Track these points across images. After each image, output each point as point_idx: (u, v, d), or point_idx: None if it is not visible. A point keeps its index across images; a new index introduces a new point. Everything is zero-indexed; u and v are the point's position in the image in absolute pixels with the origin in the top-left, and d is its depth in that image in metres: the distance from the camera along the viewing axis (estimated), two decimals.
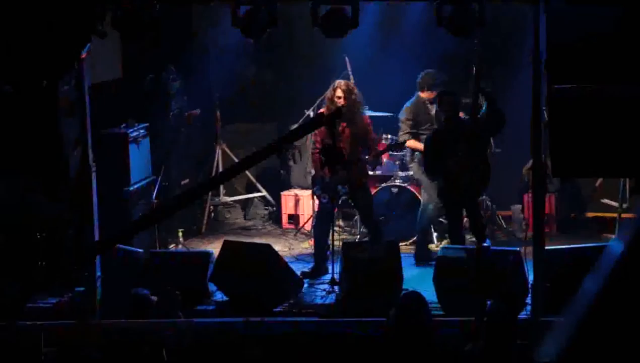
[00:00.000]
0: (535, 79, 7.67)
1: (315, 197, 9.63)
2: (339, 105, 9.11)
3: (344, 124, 9.28)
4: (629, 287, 2.24)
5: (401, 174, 10.82)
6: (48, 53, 7.02)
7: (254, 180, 12.03)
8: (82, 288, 8.41)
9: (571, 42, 6.78)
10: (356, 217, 10.58)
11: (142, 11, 7.72)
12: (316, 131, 9.59)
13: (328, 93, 9.46)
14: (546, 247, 8.04)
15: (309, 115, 11.24)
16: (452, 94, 9.23)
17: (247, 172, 11.87)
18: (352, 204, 9.98)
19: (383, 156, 10.42)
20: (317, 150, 9.31)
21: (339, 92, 9.22)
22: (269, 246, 8.82)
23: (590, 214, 11.04)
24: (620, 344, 2.22)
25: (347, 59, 10.75)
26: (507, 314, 5.73)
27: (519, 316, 7.65)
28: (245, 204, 12.18)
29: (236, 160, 11.39)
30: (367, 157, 9.47)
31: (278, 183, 11.98)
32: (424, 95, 10.01)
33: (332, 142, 8.60)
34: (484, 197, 10.37)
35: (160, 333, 6.42)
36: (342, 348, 7.40)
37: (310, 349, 7.43)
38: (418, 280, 8.68)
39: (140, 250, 8.90)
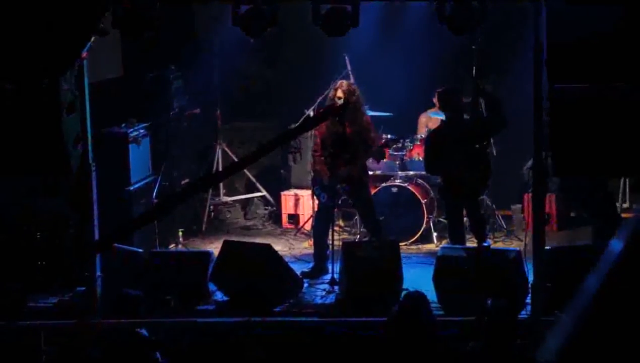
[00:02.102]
0: (536, 78, 7.66)
1: (315, 196, 9.62)
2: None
3: (347, 124, 9.28)
4: (628, 285, 2.24)
5: (401, 173, 10.80)
6: (49, 51, 7.01)
7: (254, 180, 12.01)
8: (82, 288, 8.41)
9: (572, 41, 6.77)
10: (356, 216, 10.57)
11: (142, 10, 7.72)
12: (316, 132, 9.60)
13: (330, 92, 9.49)
14: (546, 247, 8.03)
15: (309, 114, 11.22)
16: (453, 94, 9.21)
17: (247, 172, 11.87)
18: (352, 203, 9.96)
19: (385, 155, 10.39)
20: (319, 152, 9.32)
21: (340, 93, 9.24)
22: (269, 246, 8.81)
23: None
24: (619, 342, 2.22)
25: (347, 58, 10.74)
26: (507, 313, 5.72)
27: (519, 316, 7.64)
28: (246, 204, 12.17)
29: (236, 159, 11.38)
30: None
31: (278, 183, 11.97)
32: None
33: (340, 130, 8.84)
34: (484, 196, 10.35)
35: (160, 333, 6.41)
36: (342, 348, 7.39)
37: (310, 349, 7.42)
38: (418, 280, 8.66)
39: (140, 249, 8.89)
